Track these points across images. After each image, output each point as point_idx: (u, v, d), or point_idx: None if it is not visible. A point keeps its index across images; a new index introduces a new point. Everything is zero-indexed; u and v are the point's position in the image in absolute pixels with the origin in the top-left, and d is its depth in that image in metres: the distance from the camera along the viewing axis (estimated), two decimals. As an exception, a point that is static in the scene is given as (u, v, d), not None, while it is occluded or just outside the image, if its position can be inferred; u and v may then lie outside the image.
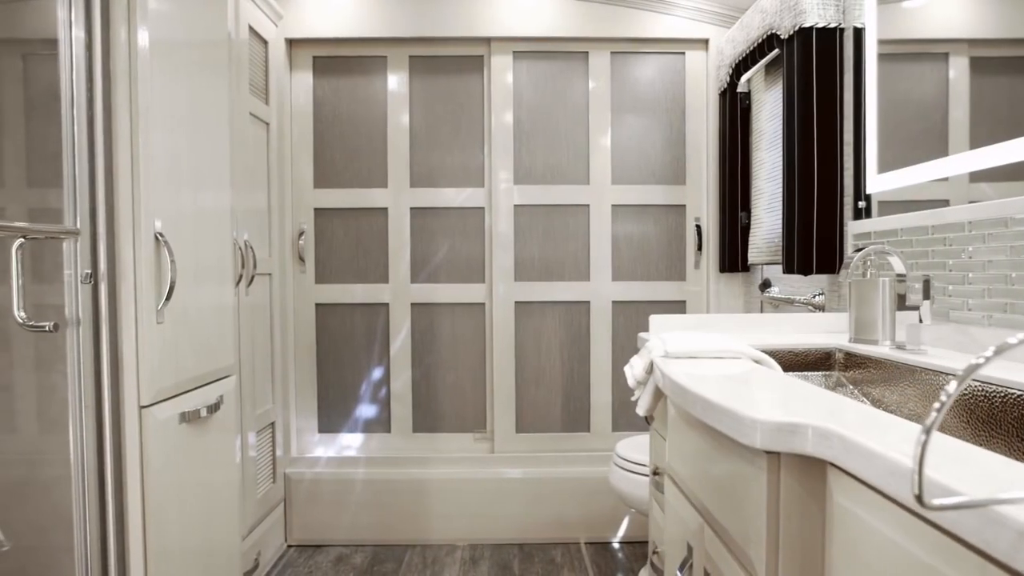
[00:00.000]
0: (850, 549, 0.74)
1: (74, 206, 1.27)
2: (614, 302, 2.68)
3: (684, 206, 2.67)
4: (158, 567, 1.39)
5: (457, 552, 2.55)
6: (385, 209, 2.67)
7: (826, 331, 1.79)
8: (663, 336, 1.44)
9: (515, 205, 2.65)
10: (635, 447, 2.16)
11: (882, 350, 1.41)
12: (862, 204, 1.76)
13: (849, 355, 1.52)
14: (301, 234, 2.65)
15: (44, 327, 1.18)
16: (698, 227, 2.66)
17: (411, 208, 2.66)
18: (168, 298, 1.40)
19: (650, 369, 1.39)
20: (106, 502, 1.32)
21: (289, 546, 2.61)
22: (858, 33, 1.78)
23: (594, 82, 2.64)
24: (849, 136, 1.83)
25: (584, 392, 2.70)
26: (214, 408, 1.61)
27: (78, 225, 1.27)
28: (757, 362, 1.32)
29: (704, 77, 2.64)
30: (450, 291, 2.67)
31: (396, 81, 2.65)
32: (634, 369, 1.42)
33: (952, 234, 1.39)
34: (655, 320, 1.79)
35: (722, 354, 1.33)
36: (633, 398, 1.44)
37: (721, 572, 1.00)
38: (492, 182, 2.65)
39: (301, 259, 2.66)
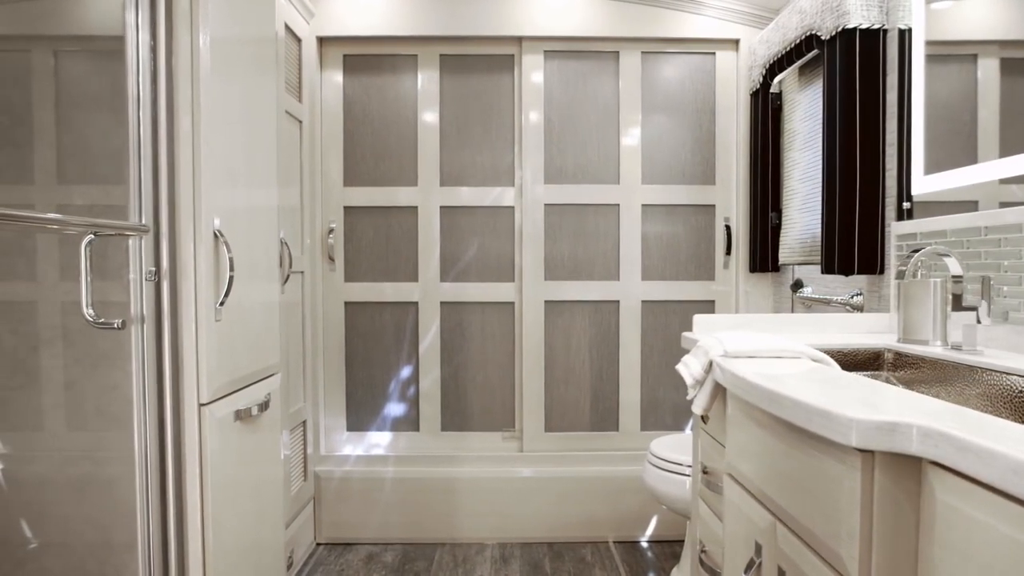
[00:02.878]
0: (958, 546, 0.74)
1: (139, 204, 1.27)
2: (643, 302, 2.69)
3: (713, 206, 2.68)
4: (215, 564, 1.39)
5: (487, 551, 2.55)
6: (415, 208, 2.67)
7: (868, 331, 1.79)
8: (719, 336, 1.44)
9: (545, 204, 2.65)
10: (670, 446, 2.17)
11: (935, 350, 1.42)
12: (907, 205, 1.76)
13: (899, 355, 1.53)
14: (330, 232, 2.65)
15: (113, 324, 1.19)
16: (727, 227, 2.67)
17: (441, 207, 2.67)
18: (226, 295, 1.41)
19: (708, 368, 1.40)
20: (167, 499, 1.33)
21: (318, 544, 2.61)
22: (901, 34, 1.79)
23: (624, 82, 2.65)
24: (892, 137, 1.83)
25: (613, 391, 2.70)
26: (264, 406, 1.61)
27: (143, 222, 1.27)
28: (816, 361, 1.33)
29: (734, 77, 2.64)
30: (479, 290, 2.68)
31: (426, 80, 2.65)
32: (691, 368, 1.43)
33: (1009, 235, 1.40)
34: (699, 319, 1.80)
35: (781, 353, 1.34)
36: (689, 397, 1.45)
37: (800, 569, 1.01)
38: (522, 181, 2.65)
39: (330, 258, 2.66)
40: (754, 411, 1.18)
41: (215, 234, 1.39)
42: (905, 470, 0.84)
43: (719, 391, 1.43)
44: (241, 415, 1.51)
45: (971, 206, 1.66)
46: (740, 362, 1.28)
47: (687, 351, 2.68)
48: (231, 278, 1.41)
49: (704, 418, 1.50)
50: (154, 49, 1.29)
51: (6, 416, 1.28)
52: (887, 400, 0.92)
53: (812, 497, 0.97)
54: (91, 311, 1.17)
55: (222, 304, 1.41)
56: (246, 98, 1.57)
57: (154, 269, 1.30)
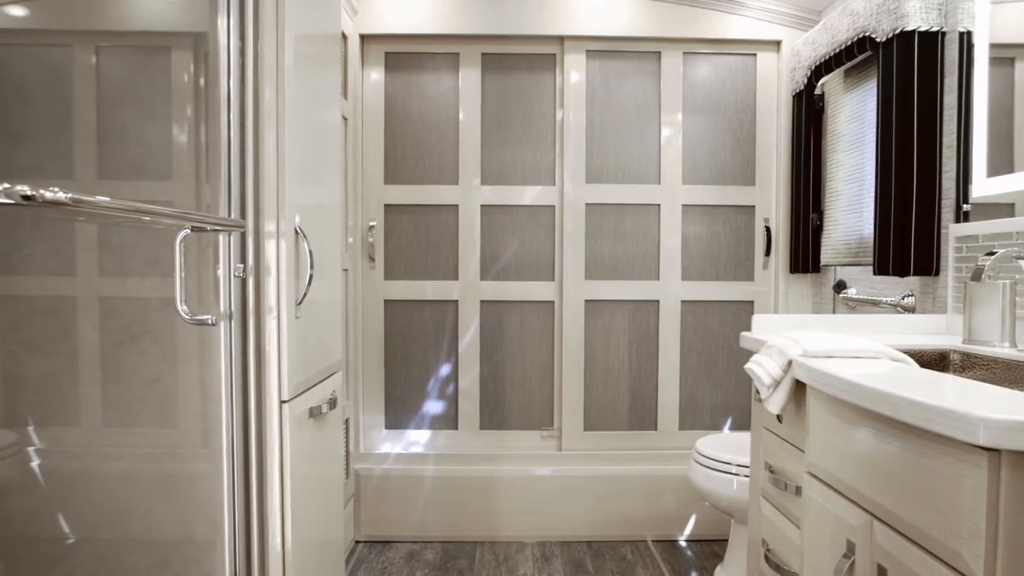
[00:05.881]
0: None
1: (228, 202, 1.27)
2: (683, 301, 2.70)
3: (753, 207, 2.69)
4: (294, 561, 1.40)
5: (526, 549, 2.56)
6: (455, 206, 2.67)
7: (924, 333, 1.81)
8: (793, 336, 1.45)
9: (586, 204, 2.66)
10: (716, 445, 2.18)
11: (1007, 351, 1.43)
12: (967, 207, 1.78)
13: (967, 356, 1.54)
14: (370, 229, 2.66)
15: (207, 321, 1.19)
16: (767, 228, 2.68)
17: (481, 205, 2.67)
18: (306, 292, 1.41)
19: (786, 368, 1.41)
20: (250, 496, 1.33)
21: (357, 542, 2.61)
22: (961, 37, 1.80)
23: (666, 82, 2.66)
24: (950, 140, 1.85)
25: (651, 391, 2.71)
26: (332, 404, 1.61)
27: (232, 217, 1.28)
28: (895, 361, 1.34)
29: (775, 78, 2.65)
30: (519, 289, 2.68)
31: (468, 78, 2.66)
32: (767, 368, 1.43)
33: (1085, 237, 1.41)
34: (758, 319, 1.81)
35: (860, 353, 1.35)
36: (763, 397, 1.46)
37: (906, 566, 1.01)
38: (563, 180, 2.66)
39: (370, 256, 2.66)
40: (845, 409, 1.19)
41: (296, 231, 1.39)
42: (1031, 468, 0.85)
43: (794, 391, 1.44)
44: (313, 412, 1.51)
45: (1007, 208, 1.69)
46: (822, 361, 1.29)
47: (731, 350, 2.69)
48: (311, 276, 1.41)
49: (779, 417, 1.51)
50: (242, 52, 1.29)
51: (92, 412, 1.28)
52: (1003, 400, 0.93)
53: (922, 495, 0.98)
54: (185, 307, 1.17)
55: (301, 301, 1.41)
56: (316, 95, 1.57)
57: (241, 265, 1.30)
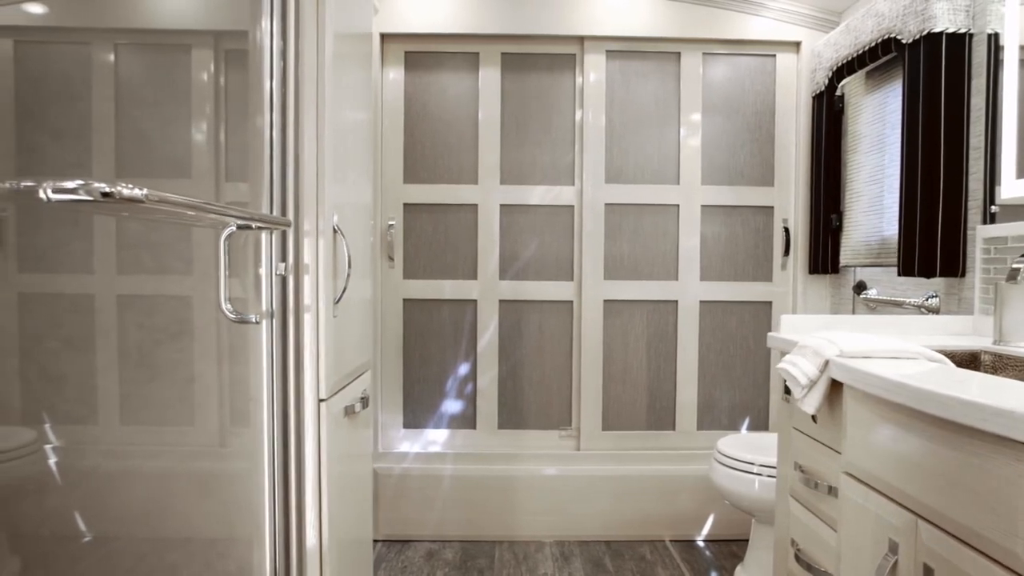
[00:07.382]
0: None
1: (270, 200, 1.27)
2: (701, 302, 2.70)
3: (772, 207, 2.69)
4: (330, 559, 1.40)
5: (545, 548, 2.56)
6: (475, 205, 2.67)
7: (950, 334, 1.81)
8: (827, 336, 1.45)
9: (605, 204, 2.66)
10: (737, 445, 2.18)
11: (1041, 352, 1.43)
12: (995, 209, 1.78)
13: (999, 357, 1.54)
14: (389, 227, 2.66)
15: (251, 319, 1.19)
16: (786, 228, 2.69)
17: (500, 205, 2.67)
18: (344, 290, 1.41)
19: (823, 368, 1.41)
20: (289, 495, 1.33)
21: (375, 541, 2.61)
22: (989, 39, 1.80)
23: (685, 82, 2.66)
24: (977, 141, 1.85)
25: (670, 391, 2.71)
26: (365, 403, 1.62)
27: (274, 215, 1.28)
28: (933, 362, 1.34)
29: (795, 79, 2.66)
30: (538, 288, 2.69)
31: (487, 78, 2.66)
32: (802, 368, 1.44)
33: (1120, 239, 1.42)
34: (786, 320, 1.81)
35: (898, 354, 1.35)
36: (798, 397, 1.46)
37: (956, 566, 1.02)
38: (582, 180, 2.66)
39: (389, 256, 2.67)
40: (887, 409, 1.19)
41: (334, 229, 1.39)
42: (1088, 469, 0.85)
43: (829, 391, 1.44)
44: (348, 411, 1.51)
45: (1021, 210, 1.70)
46: (861, 362, 1.29)
47: (749, 351, 2.69)
48: (348, 275, 1.41)
49: (814, 418, 1.51)
50: (284, 54, 1.29)
51: (132, 410, 1.28)
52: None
53: (973, 495, 0.98)
54: (229, 306, 1.16)
55: (339, 300, 1.41)
56: (350, 94, 1.57)
57: (284, 264, 1.30)
